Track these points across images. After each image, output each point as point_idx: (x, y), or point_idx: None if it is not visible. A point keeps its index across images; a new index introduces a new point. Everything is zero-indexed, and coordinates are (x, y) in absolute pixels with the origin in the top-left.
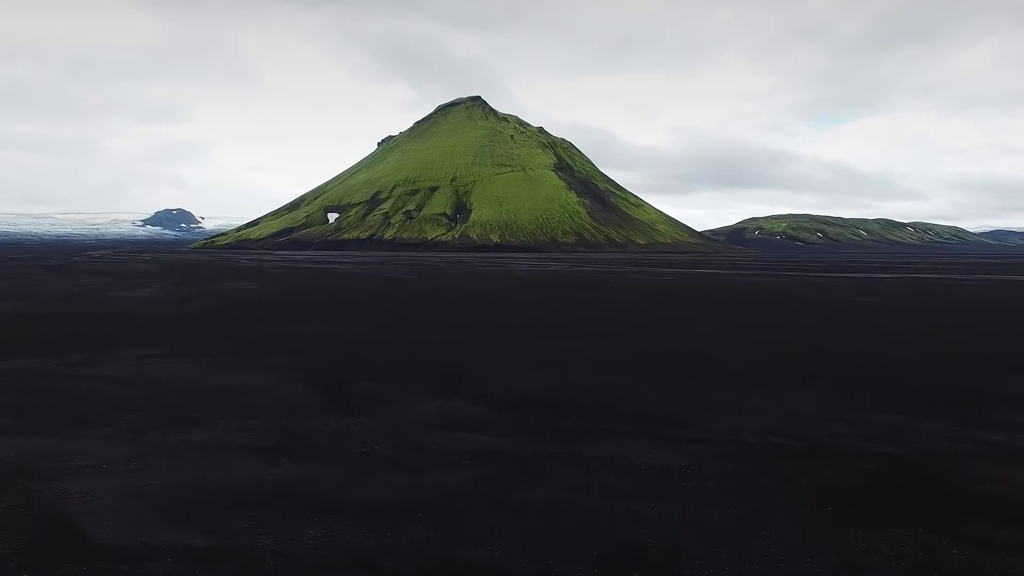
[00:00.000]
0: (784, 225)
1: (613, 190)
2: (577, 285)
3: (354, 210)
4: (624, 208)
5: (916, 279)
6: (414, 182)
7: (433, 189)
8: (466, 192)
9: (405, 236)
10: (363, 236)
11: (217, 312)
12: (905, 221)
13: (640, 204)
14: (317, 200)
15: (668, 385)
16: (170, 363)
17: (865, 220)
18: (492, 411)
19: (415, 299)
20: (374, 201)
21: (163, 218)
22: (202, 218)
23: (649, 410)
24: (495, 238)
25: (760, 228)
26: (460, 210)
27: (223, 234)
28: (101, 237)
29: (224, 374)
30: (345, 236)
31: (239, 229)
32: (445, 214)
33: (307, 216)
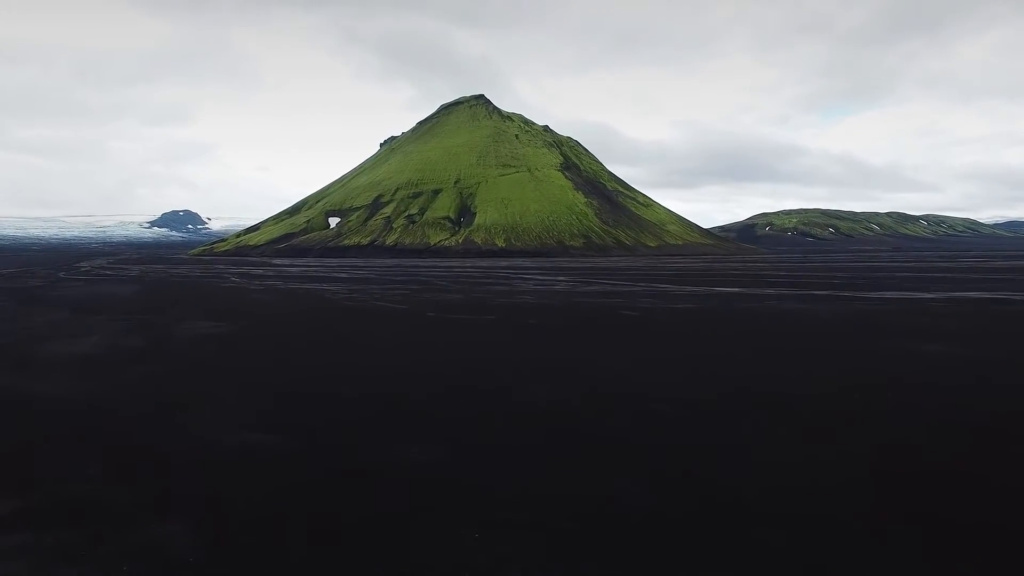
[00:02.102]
0: (795, 221)
1: (621, 189)
2: (587, 327)
3: (355, 214)
4: (633, 208)
5: (967, 300)
6: (416, 184)
7: (436, 192)
8: (470, 194)
9: (407, 242)
10: (364, 242)
11: (143, 395)
12: (917, 214)
13: (649, 204)
14: (318, 204)
15: None
16: None
17: (877, 214)
18: None
19: (393, 358)
20: (376, 205)
21: (170, 219)
22: (209, 219)
23: None
24: (500, 243)
25: (771, 224)
26: (464, 213)
27: (223, 240)
28: (108, 240)
29: None
30: (346, 242)
31: (238, 235)
32: (449, 218)
33: (307, 221)
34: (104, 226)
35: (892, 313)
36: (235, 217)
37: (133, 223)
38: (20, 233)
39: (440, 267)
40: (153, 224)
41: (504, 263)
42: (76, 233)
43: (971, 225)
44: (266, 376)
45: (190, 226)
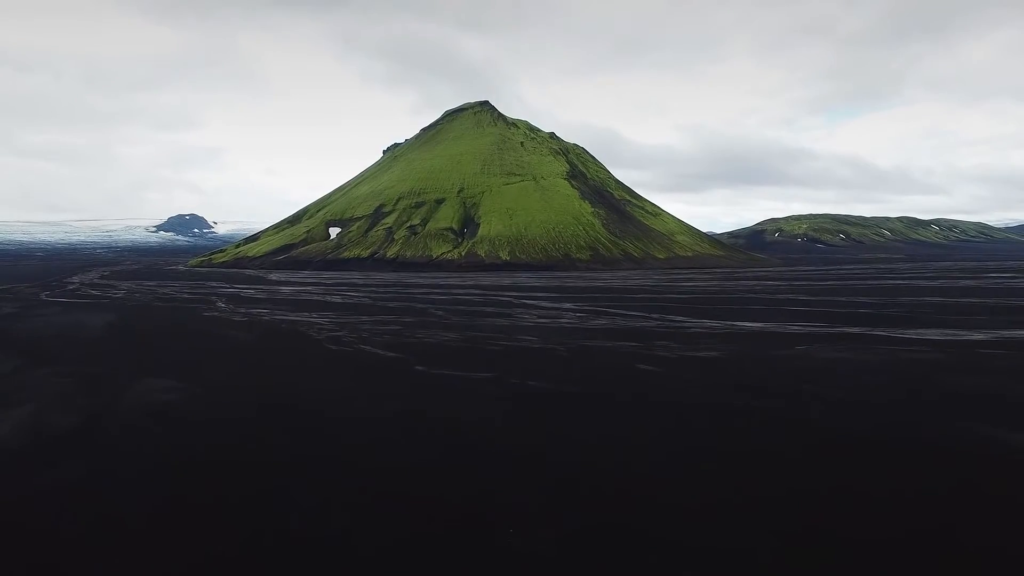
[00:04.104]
0: (805, 226)
1: (629, 198)
2: (599, 394)
3: (356, 225)
4: (641, 218)
5: (1021, 343)
6: (419, 194)
7: (439, 201)
8: (474, 204)
9: (409, 254)
10: (364, 255)
11: (27, 536)
12: (928, 218)
13: (658, 213)
14: (319, 213)
15: None
16: None
17: (888, 219)
18: None
19: (356, 463)
20: (377, 215)
21: (176, 223)
22: (215, 223)
23: None
24: (504, 255)
25: (780, 230)
26: (468, 224)
27: (222, 251)
28: (113, 245)
29: None
30: (346, 254)
31: (237, 245)
32: (452, 228)
33: (307, 232)
34: (111, 230)
35: (945, 368)
36: (241, 221)
37: (139, 227)
38: (26, 238)
39: (440, 286)
40: (159, 228)
41: (508, 280)
42: (82, 238)
43: (983, 230)
44: (194, 495)
45: (196, 230)
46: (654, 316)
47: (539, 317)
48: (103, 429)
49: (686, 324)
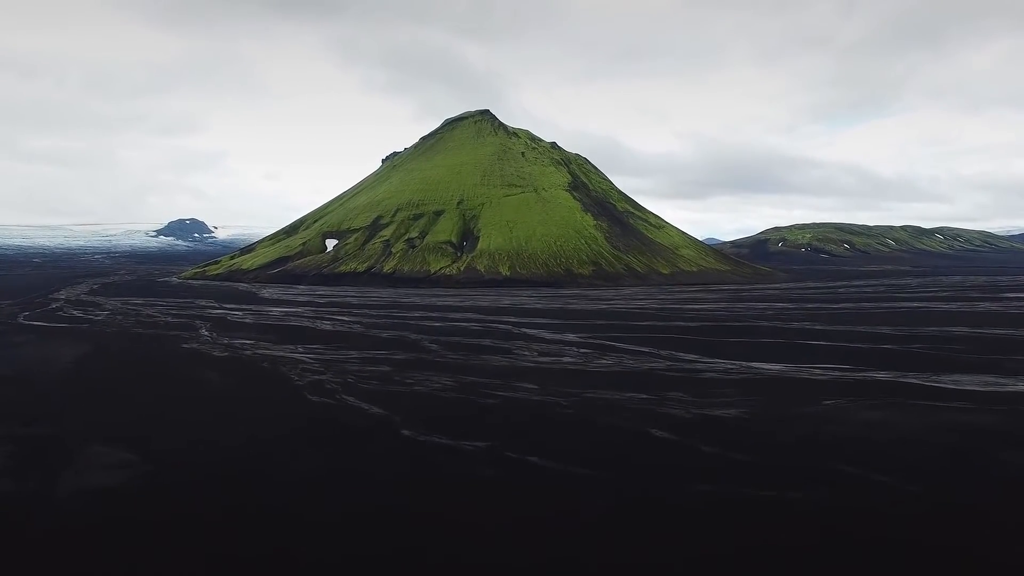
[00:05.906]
0: (809, 236)
1: (632, 210)
2: (609, 475)
3: (353, 237)
4: (644, 230)
5: None
6: (418, 205)
7: (438, 213)
8: (473, 216)
9: (406, 269)
10: (361, 269)
11: None
12: (931, 226)
13: (661, 225)
14: (316, 224)
15: None
16: None
17: (892, 228)
18: None
19: None
20: (375, 226)
21: (176, 228)
22: (215, 227)
23: None
24: (504, 270)
25: (784, 239)
26: (467, 237)
27: (216, 262)
28: (112, 250)
29: None
30: (342, 268)
31: (232, 257)
32: (451, 242)
33: (303, 244)
34: (111, 235)
35: (1000, 437)
36: (241, 226)
37: (139, 232)
38: (25, 242)
39: (437, 308)
40: (159, 233)
41: (507, 300)
42: (82, 242)
43: (987, 239)
44: None
45: (196, 235)
46: (663, 353)
47: (540, 355)
48: (17, 537)
49: (698, 365)
